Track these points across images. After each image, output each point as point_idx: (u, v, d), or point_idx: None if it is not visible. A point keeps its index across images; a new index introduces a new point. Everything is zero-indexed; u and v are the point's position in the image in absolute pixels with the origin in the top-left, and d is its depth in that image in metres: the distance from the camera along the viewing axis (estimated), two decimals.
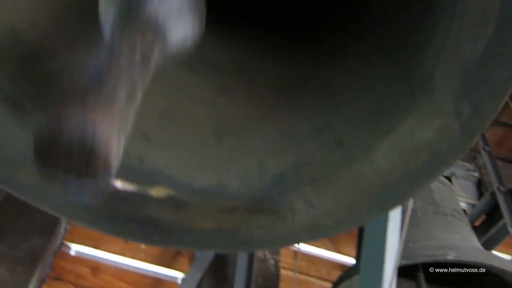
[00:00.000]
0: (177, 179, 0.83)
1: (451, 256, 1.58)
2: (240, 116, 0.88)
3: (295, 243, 0.90)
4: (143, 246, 2.88)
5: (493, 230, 2.17)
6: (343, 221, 0.82)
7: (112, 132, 0.44)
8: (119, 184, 0.82)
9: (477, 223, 2.38)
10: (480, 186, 2.37)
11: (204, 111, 0.87)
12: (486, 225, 2.28)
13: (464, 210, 2.27)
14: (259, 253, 2.45)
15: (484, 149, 2.30)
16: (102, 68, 0.48)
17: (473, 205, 2.35)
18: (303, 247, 2.96)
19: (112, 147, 0.44)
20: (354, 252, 2.49)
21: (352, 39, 0.87)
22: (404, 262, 1.49)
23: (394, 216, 1.32)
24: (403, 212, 1.37)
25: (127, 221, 0.86)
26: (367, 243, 1.35)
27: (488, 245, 2.13)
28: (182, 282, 2.54)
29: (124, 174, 0.82)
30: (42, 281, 2.59)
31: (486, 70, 0.65)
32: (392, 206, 0.80)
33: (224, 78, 0.91)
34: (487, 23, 0.63)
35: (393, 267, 1.28)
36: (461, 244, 1.72)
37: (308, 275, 2.97)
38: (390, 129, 0.75)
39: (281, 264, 2.67)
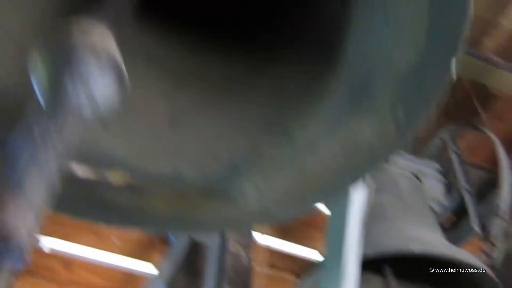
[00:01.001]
0: (133, 165, 0.88)
1: (416, 249, 1.58)
2: (194, 106, 0.93)
3: (247, 226, 0.98)
4: (115, 240, 2.87)
5: (459, 228, 2.20)
6: (291, 207, 0.89)
7: (24, 226, 0.48)
8: (77, 170, 0.87)
9: (446, 224, 2.41)
10: (449, 186, 2.40)
11: (159, 100, 0.92)
12: (454, 225, 2.31)
13: (434, 210, 2.29)
14: (232, 248, 2.45)
15: (453, 150, 2.34)
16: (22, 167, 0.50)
17: (443, 205, 2.38)
18: (278, 244, 2.97)
19: (23, 237, 0.48)
20: None
21: (297, 41, 0.93)
22: (369, 253, 1.50)
23: (355, 209, 1.34)
24: (365, 205, 1.38)
25: (87, 204, 0.93)
26: (329, 236, 1.37)
27: (454, 244, 2.16)
28: (155, 277, 2.53)
29: (82, 160, 0.86)
30: (13, 276, 2.55)
31: (420, 78, 0.72)
32: (335, 193, 0.90)
33: (179, 70, 0.96)
34: (418, 35, 0.69)
35: (355, 259, 1.30)
36: (428, 238, 1.73)
37: (282, 271, 2.99)
38: (334, 127, 0.83)
39: (254, 260, 2.68)
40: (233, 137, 0.89)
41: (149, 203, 0.90)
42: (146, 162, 0.89)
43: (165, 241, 2.82)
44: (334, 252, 1.32)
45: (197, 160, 0.89)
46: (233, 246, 2.55)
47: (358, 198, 1.37)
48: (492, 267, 2.54)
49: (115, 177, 0.88)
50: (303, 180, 0.85)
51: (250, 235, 2.59)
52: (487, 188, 2.27)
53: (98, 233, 2.89)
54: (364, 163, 0.83)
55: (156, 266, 2.61)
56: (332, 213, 1.40)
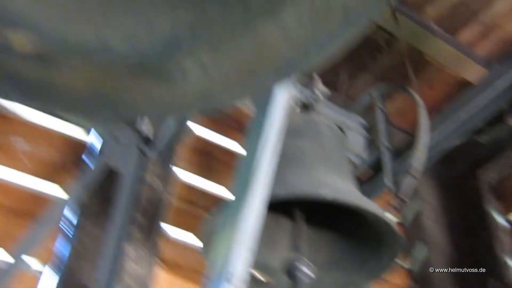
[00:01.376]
0: (44, 28, 0.72)
1: (327, 195, 1.58)
2: None
3: (181, 112, 0.84)
4: (25, 159, 2.69)
5: (373, 182, 2.27)
6: (238, 87, 0.76)
7: None
8: None
9: (363, 177, 2.47)
10: (371, 142, 2.46)
11: None
12: (370, 179, 2.37)
13: (353, 162, 2.34)
14: (149, 179, 2.39)
15: (379, 107, 2.38)
16: None
17: (362, 159, 2.43)
18: (196, 181, 2.95)
19: None
20: None
21: None
22: (279, 193, 1.48)
23: (268, 147, 1.30)
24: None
25: None
26: (239, 174, 1.30)
27: (367, 196, 2.22)
28: (64, 201, 2.41)
29: None
30: None
31: None
32: (295, 71, 0.76)
33: None
34: None
35: (261, 198, 1.26)
36: (341, 187, 1.74)
37: (199, 207, 2.97)
38: None
39: (171, 194, 2.64)
40: (174, 4, 0.74)
41: (62, 77, 0.74)
42: (62, 26, 0.72)
43: (78, 164, 2.69)
44: (241, 189, 1.27)
45: (129, 29, 0.73)
46: (150, 177, 2.49)
47: (272, 135, 1.34)
48: (400, 223, 2.65)
49: (20, 41, 0.72)
50: (259, 54, 0.73)
51: (169, 168, 2.54)
52: (407, 150, 2.35)
53: (7, 150, 2.69)
54: (336, 30, 0.70)
55: (67, 190, 2.49)
56: (246, 149, 1.36)
